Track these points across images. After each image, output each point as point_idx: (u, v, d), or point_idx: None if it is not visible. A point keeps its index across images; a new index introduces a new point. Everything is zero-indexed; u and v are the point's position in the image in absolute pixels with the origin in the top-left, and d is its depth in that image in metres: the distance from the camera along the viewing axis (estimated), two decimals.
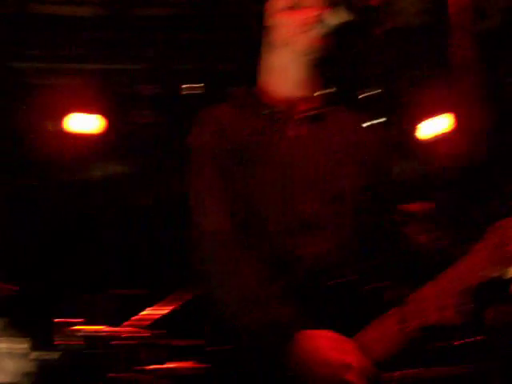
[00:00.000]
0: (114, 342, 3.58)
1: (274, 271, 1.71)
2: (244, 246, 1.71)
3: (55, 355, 4.10)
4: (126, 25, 5.32)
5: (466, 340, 3.28)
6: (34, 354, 4.99)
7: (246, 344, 1.68)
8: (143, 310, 3.79)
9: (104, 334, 3.54)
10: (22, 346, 5.15)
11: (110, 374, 3.59)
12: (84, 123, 5.70)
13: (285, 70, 1.90)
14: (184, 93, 5.62)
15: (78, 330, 3.52)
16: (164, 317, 3.61)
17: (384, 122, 5.22)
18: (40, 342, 4.60)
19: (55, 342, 3.53)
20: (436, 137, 5.59)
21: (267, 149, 1.81)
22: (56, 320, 3.46)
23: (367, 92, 5.54)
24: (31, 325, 5.20)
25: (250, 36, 1.99)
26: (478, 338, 3.24)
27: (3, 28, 5.41)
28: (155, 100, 5.74)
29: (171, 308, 3.65)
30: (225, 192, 1.76)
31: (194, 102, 5.46)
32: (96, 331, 3.53)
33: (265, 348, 1.65)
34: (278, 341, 1.62)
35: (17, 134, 5.91)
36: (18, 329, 5.21)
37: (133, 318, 3.74)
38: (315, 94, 1.91)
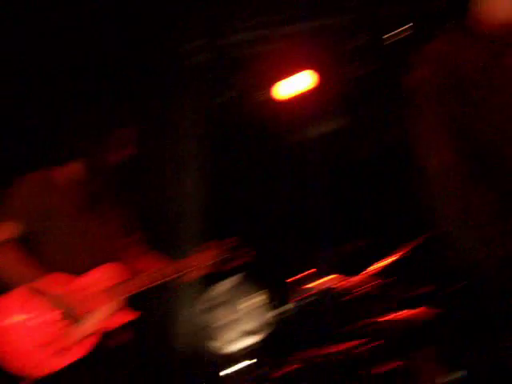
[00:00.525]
0: (351, 293, 3.65)
1: (509, 205, 1.65)
2: (476, 181, 1.67)
3: (294, 307, 4.29)
4: None
5: None
6: (274, 306, 5.31)
7: (479, 282, 1.65)
8: (374, 260, 3.82)
9: (340, 285, 3.62)
10: (260, 298, 5.50)
11: (349, 326, 3.69)
12: (296, 86, 5.83)
13: None
14: (393, 39, 5.50)
15: (315, 284, 3.63)
16: (393, 264, 3.62)
17: None
18: (279, 295, 4.85)
19: (293, 295, 3.67)
20: None
21: (491, 79, 1.74)
22: (293, 275, 3.59)
23: None
24: (269, 280, 5.53)
25: None
26: None
27: (213, 7, 5.73)
28: (364, 50, 5.68)
29: (399, 255, 3.64)
30: (451, 127, 1.72)
31: (404, 47, 5.34)
32: (332, 283, 3.61)
33: (499, 287, 1.60)
34: None
35: (236, 105, 6.23)
36: (256, 283, 5.57)
37: (366, 268, 3.79)
38: None
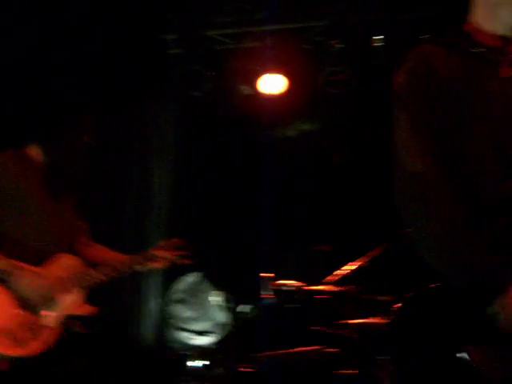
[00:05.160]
0: (316, 297, 3.65)
1: (483, 214, 1.64)
2: (452, 188, 1.66)
3: (256, 308, 4.29)
4: None
5: None
6: (235, 307, 5.32)
7: (450, 288, 1.63)
8: (343, 266, 3.81)
9: (306, 289, 3.62)
10: (219, 298, 5.50)
11: (311, 327, 3.68)
12: (274, 84, 5.82)
13: (500, 8, 1.80)
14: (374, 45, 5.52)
15: (281, 285, 3.62)
16: (353, 272, 3.63)
17: None
18: (243, 295, 4.84)
19: (259, 296, 3.68)
20: None
21: (479, 89, 1.74)
22: (260, 275, 3.58)
23: None
24: (234, 279, 5.51)
25: None
26: None
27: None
28: (343, 55, 5.68)
29: (359, 264, 3.65)
30: (432, 132, 1.71)
31: (379, 56, 5.38)
32: (298, 286, 3.61)
33: (472, 295, 1.59)
34: (487, 289, 1.56)
35: (213, 98, 6.19)
36: (216, 282, 5.57)
37: (334, 274, 3.78)
38: None
